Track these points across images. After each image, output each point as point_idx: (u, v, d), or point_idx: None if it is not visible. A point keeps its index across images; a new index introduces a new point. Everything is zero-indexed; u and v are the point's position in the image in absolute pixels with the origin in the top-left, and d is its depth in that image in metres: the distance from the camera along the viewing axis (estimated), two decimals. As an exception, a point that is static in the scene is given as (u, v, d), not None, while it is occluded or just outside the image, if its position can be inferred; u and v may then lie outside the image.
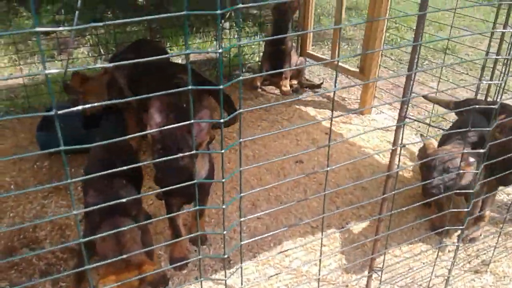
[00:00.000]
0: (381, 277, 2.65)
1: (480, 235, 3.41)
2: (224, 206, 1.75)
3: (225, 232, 1.77)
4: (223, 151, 1.61)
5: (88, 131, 4.15)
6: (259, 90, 5.71)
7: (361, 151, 4.45)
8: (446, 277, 2.90)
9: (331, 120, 1.91)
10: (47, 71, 1.25)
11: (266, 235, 2.37)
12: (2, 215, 3.48)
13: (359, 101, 5.35)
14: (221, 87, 1.51)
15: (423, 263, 3.17)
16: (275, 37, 5.29)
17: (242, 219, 1.85)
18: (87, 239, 1.65)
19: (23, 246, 3.19)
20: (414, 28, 2.05)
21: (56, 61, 6.10)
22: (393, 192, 2.29)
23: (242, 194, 1.75)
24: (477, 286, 3.01)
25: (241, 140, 1.66)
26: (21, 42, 6.24)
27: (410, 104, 5.01)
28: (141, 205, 2.81)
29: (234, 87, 5.46)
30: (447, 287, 2.89)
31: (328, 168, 1.98)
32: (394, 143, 2.20)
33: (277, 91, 5.70)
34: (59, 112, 1.32)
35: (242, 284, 2.04)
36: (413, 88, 4.62)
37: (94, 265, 1.70)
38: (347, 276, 3.06)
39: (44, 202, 3.62)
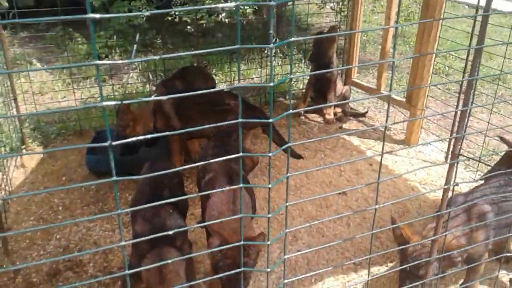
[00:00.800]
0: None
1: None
2: (269, 243, 1.72)
3: (268, 270, 1.73)
4: (270, 185, 1.59)
5: (134, 157, 4.25)
6: (302, 117, 5.69)
7: (407, 184, 4.33)
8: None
9: (381, 157, 1.84)
10: (104, 103, 1.28)
11: (308, 274, 2.31)
12: (50, 237, 3.57)
13: (405, 131, 5.23)
14: (271, 120, 1.50)
15: None
16: (321, 71, 5.25)
17: (286, 256, 1.81)
18: (132, 271, 1.65)
19: (67, 269, 3.26)
20: (462, 57, 1.98)
21: (107, 85, 6.30)
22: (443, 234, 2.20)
23: (287, 230, 1.71)
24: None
25: (288, 174, 1.63)
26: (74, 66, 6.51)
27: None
28: (186, 235, 2.82)
29: (277, 114, 5.47)
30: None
31: (377, 206, 1.91)
32: (447, 181, 2.11)
33: (320, 119, 5.66)
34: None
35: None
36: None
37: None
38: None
39: (89, 226, 3.70)
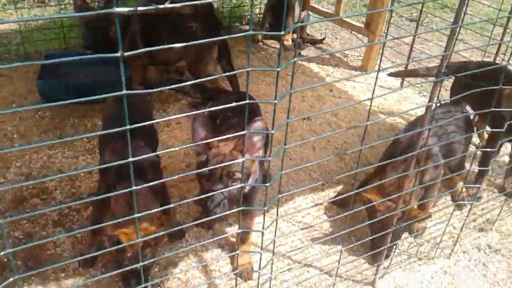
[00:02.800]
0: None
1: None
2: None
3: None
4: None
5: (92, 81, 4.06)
6: (260, 43, 5.60)
7: (366, 109, 4.45)
8: (454, 234, 2.99)
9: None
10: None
11: (280, 195, 2.36)
12: (8, 164, 3.40)
13: (361, 58, 5.30)
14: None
15: (433, 220, 3.23)
16: None
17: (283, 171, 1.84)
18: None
19: (33, 197, 3.14)
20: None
21: (48, 7, 5.84)
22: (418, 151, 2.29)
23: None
24: (483, 243, 3.11)
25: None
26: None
27: (414, 64, 5.01)
28: (158, 167, 2.75)
29: (236, 42, 5.36)
30: (457, 244, 2.98)
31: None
32: (430, 99, 2.16)
33: (278, 45, 5.60)
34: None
35: (275, 235, 2.06)
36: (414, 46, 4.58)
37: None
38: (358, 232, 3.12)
39: (50, 153, 3.55)
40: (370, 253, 2.75)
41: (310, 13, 5.87)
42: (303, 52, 5.55)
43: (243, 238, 2.70)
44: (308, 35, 5.88)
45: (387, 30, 4.64)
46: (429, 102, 2.15)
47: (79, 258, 2.66)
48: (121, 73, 1.21)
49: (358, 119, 4.28)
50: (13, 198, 3.12)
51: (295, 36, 5.66)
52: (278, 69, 1.45)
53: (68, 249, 2.81)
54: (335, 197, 3.33)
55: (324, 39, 5.74)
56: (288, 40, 5.56)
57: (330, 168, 3.65)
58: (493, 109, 2.44)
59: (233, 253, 2.77)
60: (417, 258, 2.96)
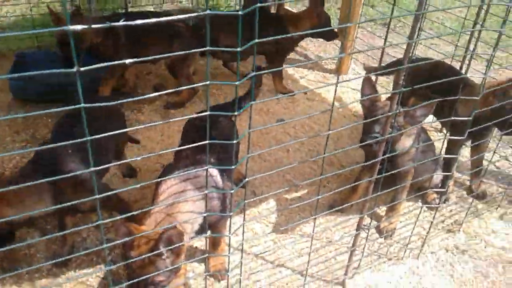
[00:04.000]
0: (367, 235, 2.78)
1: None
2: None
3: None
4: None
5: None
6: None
7: (339, 112, 4.53)
8: (423, 235, 3.08)
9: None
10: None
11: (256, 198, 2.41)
12: (-21, 166, 3.35)
13: (335, 61, 5.39)
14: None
15: (403, 222, 3.32)
16: None
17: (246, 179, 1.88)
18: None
19: None
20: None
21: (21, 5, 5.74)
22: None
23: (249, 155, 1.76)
24: (451, 244, 3.20)
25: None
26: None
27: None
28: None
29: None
30: (425, 244, 3.07)
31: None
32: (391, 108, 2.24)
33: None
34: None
35: (243, 238, 2.10)
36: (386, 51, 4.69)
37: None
38: (330, 233, 3.18)
39: (24, 155, 3.51)
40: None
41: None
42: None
43: (215, 241, 2.72)
44: (283, 37, 5.92)
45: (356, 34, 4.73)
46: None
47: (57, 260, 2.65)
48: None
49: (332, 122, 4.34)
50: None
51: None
52: (236, 83, 1.49)
53: (42, 250, 2.81)
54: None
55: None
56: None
57: (303, 170, 3.71)
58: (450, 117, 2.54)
59: (204, 256, 2.80)
60: (387, 258, 3.04)
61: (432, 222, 2.98)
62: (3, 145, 3.57)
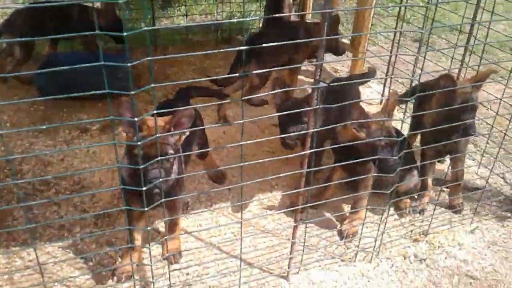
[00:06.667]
0: (305, 229, 2.93)
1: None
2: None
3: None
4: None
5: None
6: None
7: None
8: (386, 242, 3.14)
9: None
10: None
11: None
12: (-7, 149, 3.85)
13: (349, 71, 5.52)
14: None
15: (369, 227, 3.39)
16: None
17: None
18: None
19: (6, 177, 3.57)
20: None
21: None
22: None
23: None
24: (410, 252, 3.23)
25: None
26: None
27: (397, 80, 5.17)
28: None
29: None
30: (380, 249, 3.14)
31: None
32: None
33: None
34: None
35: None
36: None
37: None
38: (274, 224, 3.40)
39: (33, 141, 3.99)
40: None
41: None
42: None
43: (171, 226, 2.99)
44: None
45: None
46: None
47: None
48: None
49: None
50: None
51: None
52: (132, 93, 1.75)
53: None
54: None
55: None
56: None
57: (282, 171, 3.87)
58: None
59: (162, 239, 3.07)
60: (340, 260, 3.14)
61: (384, 228, 3.05)
62: (18, 133, 4.04)
